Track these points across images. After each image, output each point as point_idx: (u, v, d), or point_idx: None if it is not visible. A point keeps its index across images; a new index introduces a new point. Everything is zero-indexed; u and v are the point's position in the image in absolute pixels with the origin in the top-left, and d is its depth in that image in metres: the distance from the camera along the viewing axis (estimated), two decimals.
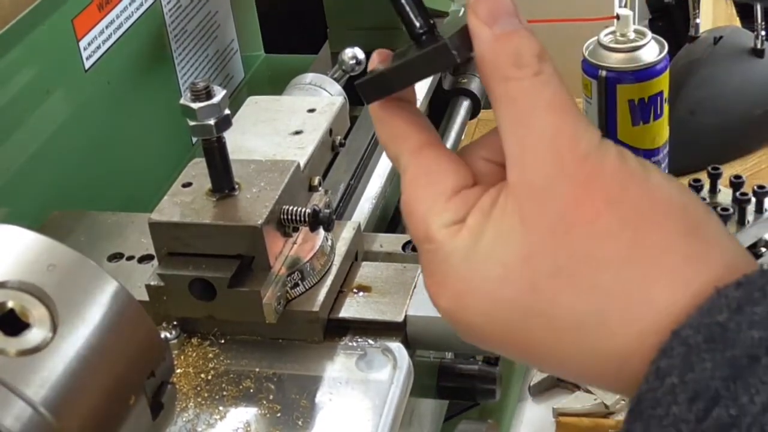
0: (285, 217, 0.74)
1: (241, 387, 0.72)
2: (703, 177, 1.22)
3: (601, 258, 0.45)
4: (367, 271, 0.80)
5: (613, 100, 1.15)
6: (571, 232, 0.45)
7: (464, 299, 0.48)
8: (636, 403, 0.42)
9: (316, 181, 0.82)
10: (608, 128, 1.17)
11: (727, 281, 0.44)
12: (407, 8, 0.51)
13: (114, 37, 1.02)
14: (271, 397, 0.71)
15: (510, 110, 0.47)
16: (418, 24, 0.51)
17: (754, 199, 1.19)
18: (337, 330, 0.76)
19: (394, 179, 1.02)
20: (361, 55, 1.08)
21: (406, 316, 0.75)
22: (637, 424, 0.42)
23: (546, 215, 0.46)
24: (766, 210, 1.19)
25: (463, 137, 1.16)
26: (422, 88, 1.15)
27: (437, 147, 0.51)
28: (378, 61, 0.52)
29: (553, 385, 1.12)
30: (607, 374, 0.46)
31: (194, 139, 1.14)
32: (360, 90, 0.51)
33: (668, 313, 0.44)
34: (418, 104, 1.12)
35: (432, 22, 0.52)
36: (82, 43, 0.97)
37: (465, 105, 1.21)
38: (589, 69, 1.15)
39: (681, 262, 0.45)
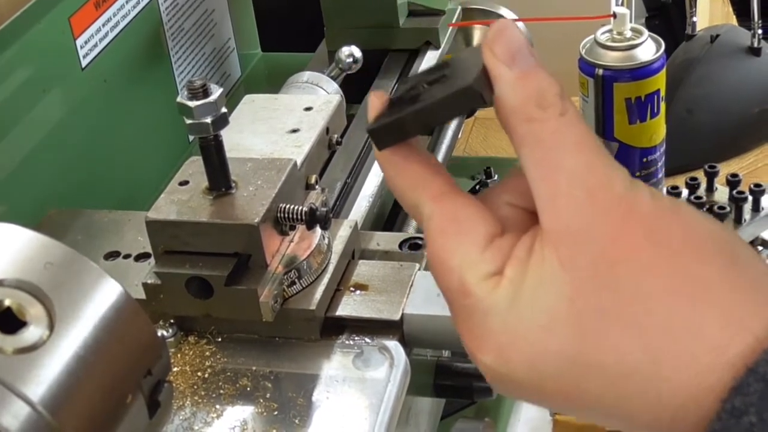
0: (282, 215, 0.74)
1: (237, 385, 0.72)
2: (700, 175, 1.23)
3: (647, 293, 0.43)
4: (364, 270, 0.80)
5: (609, 99, 1.15)
6: (613, 269, 0.44)
7: (508, 353, 0.46)
8: None
9: (313, 180, 0.82)
10: (605, 127, 1.17)
11: None
12: None
13: (111, 36, 1.02)
14: (267, 395, 0.71)
15: (537, 152, 0.45)
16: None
17: (750, 198, 1.19)
18: (334, 328, 0.76)
19: None
20: (358, 53, 1.08)
21: (403, 314, 0.75)
22: None
23: (586, 256, 0.44)
24: (762, 208, 1.20)
25: (459, 136, 1.16)
26: None
27: (460, 193, 0.49)
28: (379, 104, 0.50)
29: None
30: (660, 421, 0.44)
31: (191, 138, 1.14)
32: (374, 136, 0.49)
33: (723, 351, 0.42)
34: None
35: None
36: (79, 42, 0.97)
37: None
38: (586, 67, 1.15)
39: (728, 296, 0.43)
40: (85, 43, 0.98)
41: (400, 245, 0.84)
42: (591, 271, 0.44)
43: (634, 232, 0.44)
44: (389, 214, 1.05)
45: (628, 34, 1.14)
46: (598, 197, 0.44)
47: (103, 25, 1.01)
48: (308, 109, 0.89)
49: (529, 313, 0.45)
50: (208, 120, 0.72)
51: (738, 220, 1.19)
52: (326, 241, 0.79)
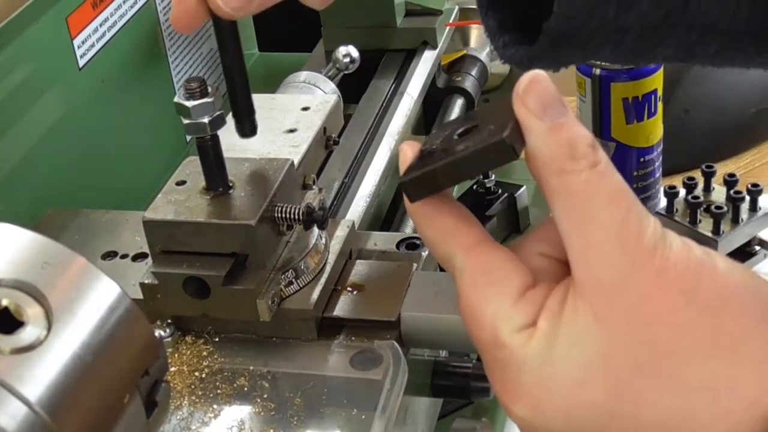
0: (279, 215, 0.74)
1: (235, 385, 0.72)
2: (697, 175, 1.23)
3: (685, 351, 0.44)
4: (361, 270, 0.80)
5: (607, 99, 1.15)
6: (650, 326, 0.44)
7: (542, 405, 0.46)
8: None
9: (310, 180, 0.82)
10: (602, 126, 1.17)
11: None
12: None
13: (108, 36, 1.02)
14: (265, 395, 0.71)
15: (569, 204, 0.46)
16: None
17: (748, 198, 1.19)
18: (331, 328, 0.76)
19: (388, 177, 1.02)
20: (355, 53, 1.08)
21: (400, 314, 0.75)
22: None
23: (621, 311, 0.44)
24: (760, 208, 1.20)
25: None
26: (416, 86, 1.15)
27: (492, 244, 0.49)
28: (411, 155, 0.50)
29: None
30: None
31: (188, 138, 1.14)
32: (407, 189, 0.49)
33: (757, 403, 0.43)
34: (412, 102, 1.12)
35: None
36: (76, 42, 0.97)
37: (459, 103, 1.21)
38: (583, 67, 1.16)
39: (762, 352, 0.43)
40: (83, 42, 0.98)
41: (398, 245, 0.84)
42: (626, 326, 0.44)
43: (670, 288, 0.44)
44: (386, 214, 1.05)
45: None
46: (633, 251, 0.44)
47: (101, 25, 1.01)
48: (305, 109, 0.89)
49: (563, 367, 0.45)
50: (206, 120, 0.72)
51: (735, 220, 1.19)
52: (323, 241, 0.79)
